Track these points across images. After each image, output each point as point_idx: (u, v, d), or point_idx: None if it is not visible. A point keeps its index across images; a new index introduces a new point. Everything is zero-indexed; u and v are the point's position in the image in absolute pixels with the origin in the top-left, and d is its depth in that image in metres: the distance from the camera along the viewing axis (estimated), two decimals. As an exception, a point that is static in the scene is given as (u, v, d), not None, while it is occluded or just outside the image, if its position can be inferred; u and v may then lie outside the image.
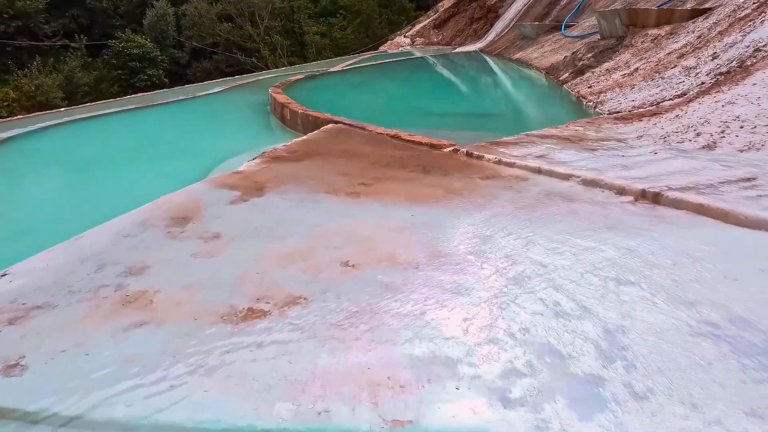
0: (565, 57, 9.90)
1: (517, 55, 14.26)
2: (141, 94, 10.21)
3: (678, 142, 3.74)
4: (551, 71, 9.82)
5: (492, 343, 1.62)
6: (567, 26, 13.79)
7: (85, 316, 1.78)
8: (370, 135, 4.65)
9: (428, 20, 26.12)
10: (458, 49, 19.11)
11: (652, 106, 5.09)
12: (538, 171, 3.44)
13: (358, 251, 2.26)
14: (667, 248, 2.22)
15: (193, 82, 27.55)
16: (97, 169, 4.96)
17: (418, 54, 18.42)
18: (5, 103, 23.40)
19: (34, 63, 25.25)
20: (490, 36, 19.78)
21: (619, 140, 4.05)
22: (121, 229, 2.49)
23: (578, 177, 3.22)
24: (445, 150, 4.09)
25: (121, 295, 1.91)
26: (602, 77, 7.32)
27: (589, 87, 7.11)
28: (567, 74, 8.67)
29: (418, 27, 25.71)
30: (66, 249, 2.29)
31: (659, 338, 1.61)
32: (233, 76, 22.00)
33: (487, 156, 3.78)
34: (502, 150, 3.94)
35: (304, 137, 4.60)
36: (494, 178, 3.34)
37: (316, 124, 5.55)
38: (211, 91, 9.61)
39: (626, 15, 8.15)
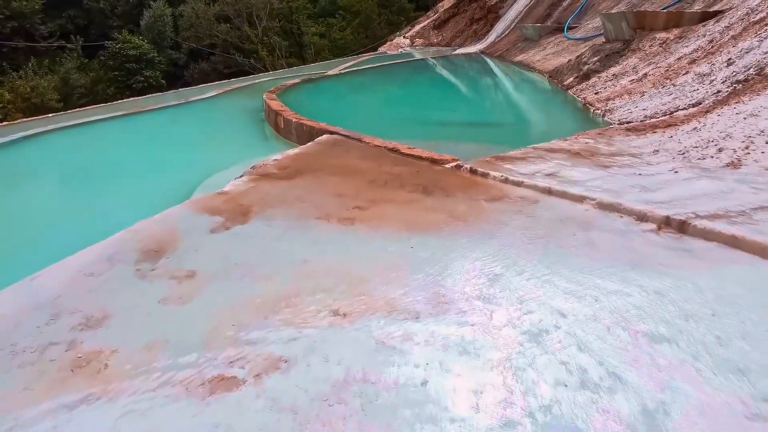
0: (569, 60, 9.62)
1: (519, 58, 13.99)
2: (132, 98, 9.93)
3: (699, 159, 3.47)
4: (555, 75, 9.55)
5: (508, 428, 1.35)
6: (570, 28, 13.52)
7: (24, 387, 1.50)
8: (366, 148, 4.38)
9: (428, 21, 25.86)
10: (458, 51, 18.84)
11: (665, 115, 4.82)
12: (549, 192, 3.17)
13: (351, 296, 1.98)
14: (703, 292, 1.95)
15: (190, 84, 27.31)
16: (74, 185, 4.65)
17: (417, 56, 18.15)
18: (0, 105, 23.09)
19: (30, 64, 24.93)
20: (491, 37, 19.52)
21: (633, 155, 3.78)
22: (84, 266, 2.21)
23: (593, 200, 2.94)
24: (446, 166, 3.81)
25: (72, 357, 1.64)
26: (609, 83, 7.05)
27: (595, 93, 6.83)
28: (572, 79, 8.40)
29: (417, 27, 25.45)
30: (18, 292, 2.02)
31: (710, 421, 1.34)
32: (231, 77, 21.74)
33: (492, 174, 3.50)
34: (508, 166, 3.67)
35: (297, 150, 4.32)
36: (501, 200, 3.07)
37: (310, 134, 5.28)
38: (205, 96, 9.33)
39: (633, 18, 7.87)
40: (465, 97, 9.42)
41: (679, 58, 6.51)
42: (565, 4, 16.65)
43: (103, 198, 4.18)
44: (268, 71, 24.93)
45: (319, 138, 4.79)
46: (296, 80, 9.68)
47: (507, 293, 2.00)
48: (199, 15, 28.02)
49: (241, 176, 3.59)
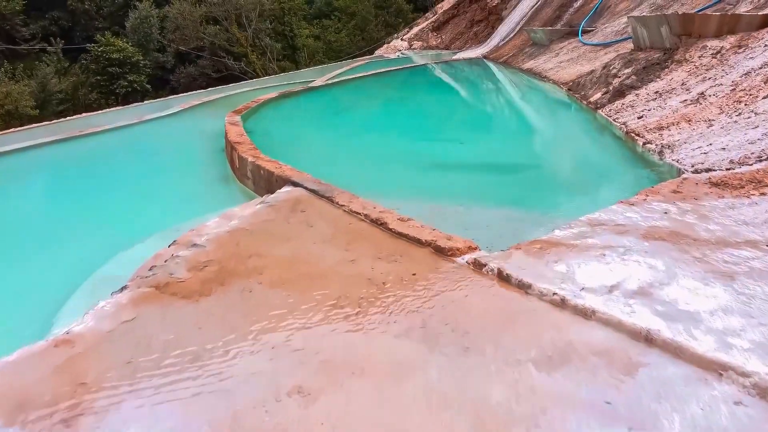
0: (592, 71, 8.23)
1: (528, 65, 12.62)
2: (76, 116, 8.50)
3: None
4: (575, 88, 8.15)
5: None
6: (584, 32, 12.17)
7: None
8: (340, 217, 2.98)
9: (426, 22, 24.51)
10: (459, 55, 17.45)
11: (762, 161, 3.43)
12: (648, 340, 1.77)
13: None
14: None
15: (177, 88, 25.83)
16: None
17: (416, 60, 16.74)
18: (-28, 113, 21.63)
19: (1, 69, 23.50)
20: (494, 40, 18.14)
21: (756, 246, 2.38)
22: None
23: (746, 377, 1.55)
24: (458, 260, 2.41)
25: None
26: (653, 103, 5.66)
27: (639, 118, 5.43)
28: (599, 94, 7.01)
29: (416, 30, 24.10)
30: None
31: None
32: (221, 81, 20.29)
33: (537, 286, 2.10)
34: (559, 268, 2.26)
35: (234, 223, 2.91)
36: (567, 366, 1.67)
37: (269, 181, 3.89)
38: (165, 113, 7.89)
39: (678, 21, 6.48)
40: (472, 121, 7.92)
41: (746, 74, 5.12)
42: (576, 5, 15.28)
43: None
44: (260, 76, 23.52)
45: (276, 194, 3.39)
46: (273, 94, 8.25)
47: None
48: (186, 16, 26.56)
49: (122, 289, 2.18)
